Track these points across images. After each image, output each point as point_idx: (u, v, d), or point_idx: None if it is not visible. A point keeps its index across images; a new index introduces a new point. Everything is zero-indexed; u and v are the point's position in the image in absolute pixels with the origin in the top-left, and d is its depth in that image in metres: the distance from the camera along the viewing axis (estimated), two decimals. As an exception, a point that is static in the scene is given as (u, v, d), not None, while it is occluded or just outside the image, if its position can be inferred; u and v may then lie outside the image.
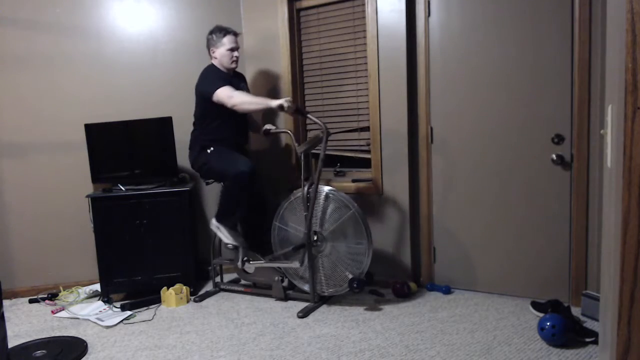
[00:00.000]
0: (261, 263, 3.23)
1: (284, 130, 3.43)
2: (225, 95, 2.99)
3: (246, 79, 3.46)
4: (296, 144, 3.08)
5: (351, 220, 2.97)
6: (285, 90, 3.57)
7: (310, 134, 3.67)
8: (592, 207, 2.75)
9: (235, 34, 3.18)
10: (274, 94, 3.63)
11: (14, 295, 3.56)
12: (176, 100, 3.66)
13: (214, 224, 3.30)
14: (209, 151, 3.18)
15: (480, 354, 2.40)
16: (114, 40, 3.59)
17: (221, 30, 3.15)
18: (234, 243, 3.23)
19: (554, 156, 2.82)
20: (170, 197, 3.38)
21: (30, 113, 3.53)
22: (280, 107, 2.88)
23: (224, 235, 3.25)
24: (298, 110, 3.02)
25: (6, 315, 3.20)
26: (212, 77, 3.09)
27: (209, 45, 3.19)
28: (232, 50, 3.15)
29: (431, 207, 3.26)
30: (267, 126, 3.39)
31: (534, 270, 2.97)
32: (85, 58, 3.56)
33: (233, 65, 3.19)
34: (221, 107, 3.05)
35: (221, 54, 3.15)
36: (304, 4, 3.51)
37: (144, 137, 3.53)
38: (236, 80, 3.25)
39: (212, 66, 3.20)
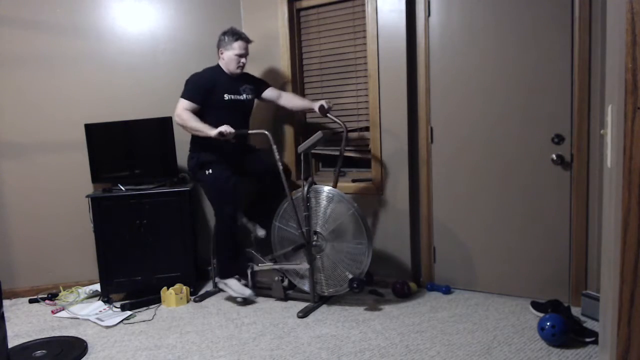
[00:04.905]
0: (269, 266, 3.22)
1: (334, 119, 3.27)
2: (180, 107, 3.09)
3: (254, 78, 3.40)
4: (274, 146, 3.06)
5: (351, 220, 2.97)
6: (284, 90, 3.57)
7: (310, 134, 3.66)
8: (592, 207, 2.75)
9: (247, 41, 3.19)
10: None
11: (14, 295, 3.55)
12: (176, 100, 3.63)
13: (220, 283, 3.29)
14: (207, 173, 3.17)
15: (480, 354, 2.40)
16: (114, 41, 3.59)
17: (234, 35, 3.14)
18: (243, 295, 3.18)
19: (554, 156, 2.82)
20: (170, 197, 3.38)
21: (30, 113, 3.52)
22: (220, 134, 2.94)
23: (232, 290, 3.21)
24: (239, 136, 3.08)
25: (6, 315, 3.20)
26: (190, 84, 3.14)
27: (219, 45, 3.19)
28: (240, 56, 3.16)
29: (431, 207, 3.26)
30: (325, 103, 3.19)
31: (534, 270, 2.97)
32: (85, 58, 3.56)
33: (238, 71, 3.20)
34: (213, 104, 3.12)
35: (229, 57, 3.15)
36: (304, 4, 3.51)
37: (144, 137, 3.53)
38: (237, 83, 3.23)
39: (201, 72, 3.20)
